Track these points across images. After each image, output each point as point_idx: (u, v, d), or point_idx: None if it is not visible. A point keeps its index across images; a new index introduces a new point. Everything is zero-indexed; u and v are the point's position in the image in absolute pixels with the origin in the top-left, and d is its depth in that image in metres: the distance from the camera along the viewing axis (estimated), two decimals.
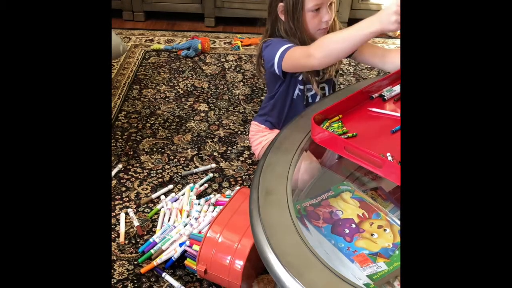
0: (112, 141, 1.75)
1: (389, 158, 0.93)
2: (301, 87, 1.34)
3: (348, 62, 2.32)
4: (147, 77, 2.17)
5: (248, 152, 1.71)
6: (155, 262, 1.25)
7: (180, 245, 1.26)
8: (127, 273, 1.25)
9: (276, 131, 1.43)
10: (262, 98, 2.02)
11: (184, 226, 1.31)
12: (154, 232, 1.37)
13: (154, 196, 1.50)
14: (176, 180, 1.58)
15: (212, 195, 1.48)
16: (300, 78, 1.31)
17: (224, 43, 2.51)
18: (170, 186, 1.54)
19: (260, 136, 1.45)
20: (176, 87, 2.10)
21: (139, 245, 1.33)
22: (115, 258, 1.29)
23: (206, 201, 1.43)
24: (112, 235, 1.36)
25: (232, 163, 1.66)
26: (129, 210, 1.44)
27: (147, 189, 1.54)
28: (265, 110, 1.44)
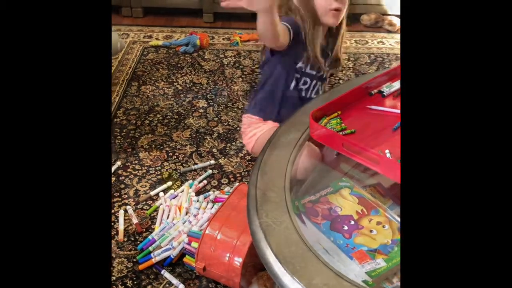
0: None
1: (388, 155, 0.93)
2: (297, 75, 1.33)
3: (347, 57, 2.31)
4: (146, 74, 2.16)
5: None
6: (154, 260, 1.25)
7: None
8: (126, 270, 1.25)
9: (270, 123, 1.42)
10: None
11: (183, 223, 1.31)
12: (153, 229, 1.37)
13: (153, 193, 1.49)
14: (175, 177, 1.57)
15: (211, 192, 1.48)
16: (299, 65, 1.30)
17: (223, 39, 2.50)
18: (169, 183, 1.53)
19: (253, 128, 1.44)
20: (174, 84, 2.10)
21: (138, 242, 1.33)
22: (114, 256, 1.29)
23: (205, 198, 1.42)
24: (111, 233, 1.36)
25: (231, 160, 1.66)
26: (128, 207, 1.44)
27: (146, 186, 1.53)
28: (258, 99, 1.43)
